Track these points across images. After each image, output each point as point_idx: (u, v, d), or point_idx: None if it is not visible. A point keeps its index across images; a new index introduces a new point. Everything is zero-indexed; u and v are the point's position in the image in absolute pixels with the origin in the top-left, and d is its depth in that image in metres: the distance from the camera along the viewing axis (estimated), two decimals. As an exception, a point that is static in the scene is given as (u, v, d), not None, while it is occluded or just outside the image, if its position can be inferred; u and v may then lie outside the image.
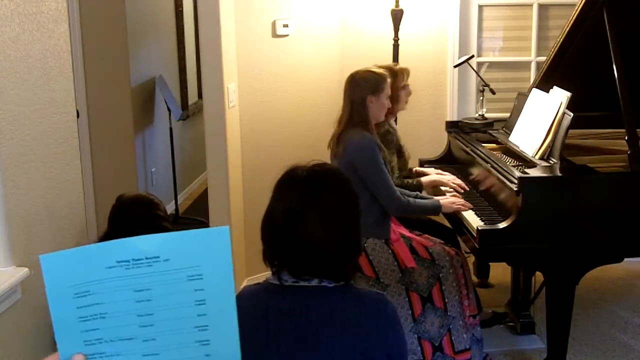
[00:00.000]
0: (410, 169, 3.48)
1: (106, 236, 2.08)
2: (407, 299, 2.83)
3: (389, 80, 3.01)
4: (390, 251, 2.91)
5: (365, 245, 2.88)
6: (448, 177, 3.33)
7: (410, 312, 2.83)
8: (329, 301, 1.59)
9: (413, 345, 2.81)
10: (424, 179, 3.32)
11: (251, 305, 1.65)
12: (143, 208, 2.10)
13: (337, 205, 1.62)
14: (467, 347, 2.89)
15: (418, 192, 3.15)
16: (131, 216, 2.07)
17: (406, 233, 3.03)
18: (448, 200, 3.05)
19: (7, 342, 1.85)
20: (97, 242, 2.06)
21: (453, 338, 2.86)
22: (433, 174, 3.40)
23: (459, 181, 3.31)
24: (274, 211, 1.64)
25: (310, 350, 1.57)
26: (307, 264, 1.60)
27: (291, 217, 1.59)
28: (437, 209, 3.00)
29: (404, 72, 3.31)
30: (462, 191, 3.24)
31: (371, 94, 2.95)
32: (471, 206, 3.04)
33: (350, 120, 2.94)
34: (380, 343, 1.58)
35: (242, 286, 3.98)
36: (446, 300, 2.86)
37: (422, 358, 2.82)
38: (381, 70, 3.03)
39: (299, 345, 1.58)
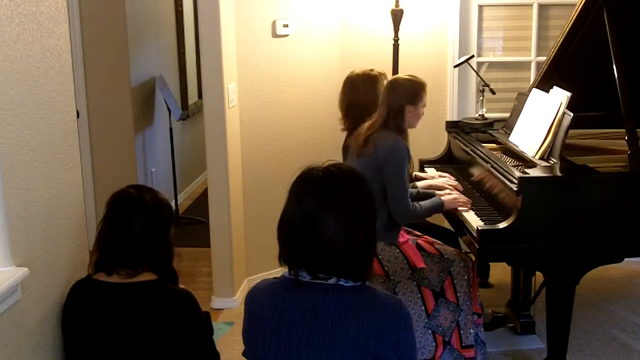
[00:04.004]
0: (410, 174, 3.50)
1: (105, 223, 2.08)
2: (419, 295, 2.84)
3: (426, 88, 3.01)
4: (398, 250, 2.92)
5: None
6: (442, 180, 3.32)
7: (423, 307, 2.83)
8: (345, 300, 1.60)
9: (428, 342, 2.82)
10: (419, 184, 3.31)
11: (267, 298, 1.67)
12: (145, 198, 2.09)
13: (353, 206, 1.62)
14: (472, 343, 2.90)
15: (418, 190, 3.16)
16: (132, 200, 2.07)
17: (410, 237, 3.03)
18: (450, 197, 3.05)
19: (7, 342, 1.84)
20: (99, 231, 2.07)
21: (461, 332, 2.87)
22: (429, 179, 3.39)
23: (453, 182, 3.30)
24: (290, 212, 1.64)
25: (323, 345, 1.58)
26: (325, 263, 1.61)
27: (308, 219, 1.59)
28: (439, 206, 3.01)
29: (383, 77, 3.32)
30: (459, 191, 3.24)
31: (409, 103, 2.95)
32: (471, 201, 3.05)
33: (385, 125, 2.94)
34: (392, 345, 1.60)
35: (241, 286, 3.98)
36: (458, 294, 2.87)
37: (433, 354, 2.82)
38: (420, 79, 3.03)
39: (313, 339, 1.59)
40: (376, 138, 2.92)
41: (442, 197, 3.04)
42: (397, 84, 2.98)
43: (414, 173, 3.51)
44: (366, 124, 3.02)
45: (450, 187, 3.26)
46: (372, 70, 3.37)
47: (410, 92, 2.95)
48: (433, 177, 3.43)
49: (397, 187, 2.86)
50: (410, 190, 3.10)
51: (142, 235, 2.04)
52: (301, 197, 1.63)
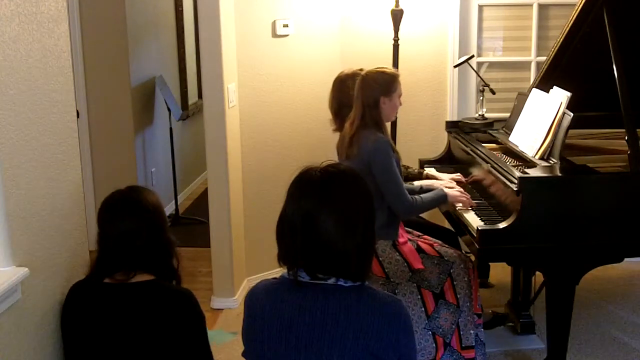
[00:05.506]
0: (421, 172, 3.50)
1: (101, 234, 2.08)
2: (419, 297, 2.84)
3: (400, 79, 3.00)
4: (398, 252, 2.91)
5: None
6: (442, 182, 3.32)
7: (423, 309, 2.83)
8: (345, 300, 1.60)
9: (427, 343, 2.82)
10: (417, 183, 3.31)
11: (266, 299, 1.66)
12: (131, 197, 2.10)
13: (351, 205, 1.62)
14: (472, 344, 2.89)
15: (422, 186, 3.16)
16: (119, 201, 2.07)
17: (411, 237, 3.03)
18: (454, 192, 3.05)
19: (7, 342, 1.84)
20: (98, 233, 2.07)
21: (461, 333, 2.87)
22: (433, 179, 3.39)
23: (453, 183, 3.29)
24: (289, 213, 1.64)
25: (323, 346, 1.58)
26: (324, 263, 1.61)
27: (306, 219, 1.59)
28: (442, 198, 3.01)
29: None
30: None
31: (384, 95, 2.93)
32: (474, 203, 3.05)
33: (363, 122, 2.92)
34: (392, 346, 1.59)
35: (241, 286, 3.98)
36: (458, 296, 2.87)
37: (434, 356, 2.82)
38: (392, 70, 3.02)
39: (312, 340, 1.59)
40: (358, 139, 2.91)
41: (446, 190, 3.03)
42: (368, 78, 2.95)
43: (425, 172, 3.51)
44: (347, 124, 3.01)
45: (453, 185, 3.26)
46: (361, 69, 3.36)
47: (382, 83, 2.93)
48: (440, 177, 3.42)
49: (390, 184, 2.86)
50: (413, 186, 3.10)
51: (132, 236, 2.03)
52: (300, 198, 1.63)
